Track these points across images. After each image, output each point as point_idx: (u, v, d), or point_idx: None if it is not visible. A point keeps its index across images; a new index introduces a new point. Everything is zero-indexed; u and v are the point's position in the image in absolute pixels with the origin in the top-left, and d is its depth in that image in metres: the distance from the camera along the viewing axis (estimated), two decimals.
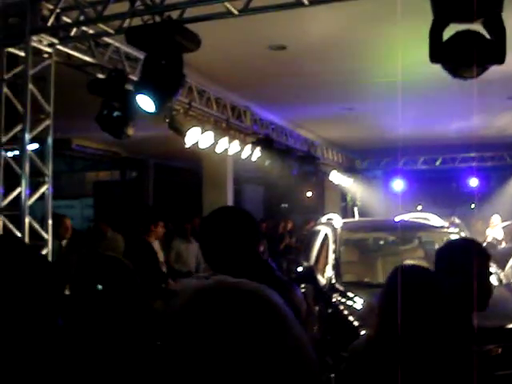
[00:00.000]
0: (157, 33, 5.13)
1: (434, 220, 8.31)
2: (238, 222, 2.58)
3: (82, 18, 5.65)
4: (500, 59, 4.25)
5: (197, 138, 8.75)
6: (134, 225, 11.83)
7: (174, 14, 5.31)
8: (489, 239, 11.68)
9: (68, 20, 5.80)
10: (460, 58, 4.28)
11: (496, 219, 12.53)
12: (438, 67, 4.74)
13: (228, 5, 5.11)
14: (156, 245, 8.60)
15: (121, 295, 2.45)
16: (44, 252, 5.73)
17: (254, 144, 10.91)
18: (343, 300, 6.20)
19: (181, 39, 5.12)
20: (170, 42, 5.11)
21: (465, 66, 4.34)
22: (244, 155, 10.66)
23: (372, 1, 5.87)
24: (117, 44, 6.76)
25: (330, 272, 6.94)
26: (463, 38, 4.34)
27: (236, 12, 5.14)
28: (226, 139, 9.75)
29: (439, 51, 4.34)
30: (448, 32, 4.40)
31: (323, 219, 9.04)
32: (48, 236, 5.86)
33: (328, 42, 7.58)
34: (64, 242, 8.18)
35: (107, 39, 6.58)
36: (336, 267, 6.98)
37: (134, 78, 6.81)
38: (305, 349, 1.09)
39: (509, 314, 5.50)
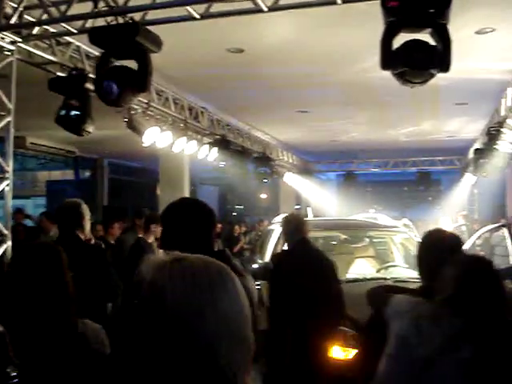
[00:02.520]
0: (119, 34, 5.26)
1: (384, 220, 8.63)
2: (198, 211, 2.77)
3: (45, 16, 5.74)
4: (446, 67, 4.54)
5: (155, 137, 8.87)
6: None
7: (137, 16, 5.45)
8: None
9: (31, 19, 5.87)
10: (408, 65, 4.56)
11: (445, 221, 13.02)
12: (389, 73, 5.00)
13: (190, 9, 5.28)
14: None
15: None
16: (4, 247, 5.79)
17: (211, 144, 11.09)
18: None
19: (143, 40, 5.26)
20: (131, 43, 5.24)
21: (412, 72, 4.62)
22: (201, 155, 10.83)
23: (328, 8, 6.09)
24: (77, 43, 6.85)
25: None
26: (412, 46, 4.62)
27: (198, 16, 5.32)
28: (183, 139, 9.90)
29: (389, 58, 4.60)
30: (398, 41, 4.66)
31: (278, 218, 9.25)
32: (8, 232, 5.91)
33: (285, 46, 7.80)
34: None
35: (68, 38, 6.66)
36: None
37: (94, 76, 6.90)
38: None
39: None
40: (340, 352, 5.64)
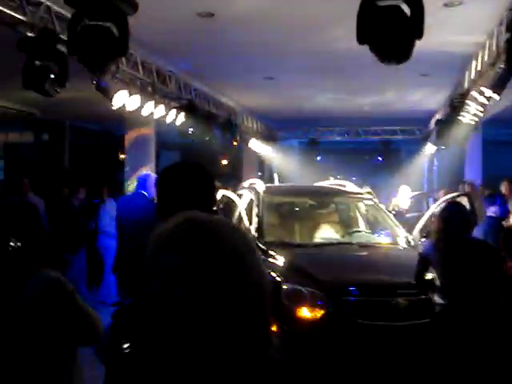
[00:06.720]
0: None
1: (349, 187, 8.82)
2: (201, 173, 2.62)
3: None
4: (419, 34, 4.66)
5: (123, 100, 8.82)
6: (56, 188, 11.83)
7: None
8: (397, 208, 12.40)
9: None
10: (384, 39, 4.65)
11: (404, 190, 13.28)
12: (354, 43, 5.10)
13: None
14: None
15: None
16: None
17: (178, 109, 11.07)
18: (265, 258, 6.59)
19: (119, 2, 5.24)
20: (108, 4, 5.22)
21: (389, 46, 4.71)
22: (168, 120, 10.81)
23: None
24: (48, 3, 6.74)
25: (252, 233, 7.30)
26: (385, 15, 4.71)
27: None
28: (151, 103, 9.86)
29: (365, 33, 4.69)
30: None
31: (245, 184, 9.37)
32: None
33: (254, 12, 7.82)
34: None
35: None
36: (259, 228, 7.36)
37: (65, 37, 6.83)
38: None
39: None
40: (307, 312, 5.83)
